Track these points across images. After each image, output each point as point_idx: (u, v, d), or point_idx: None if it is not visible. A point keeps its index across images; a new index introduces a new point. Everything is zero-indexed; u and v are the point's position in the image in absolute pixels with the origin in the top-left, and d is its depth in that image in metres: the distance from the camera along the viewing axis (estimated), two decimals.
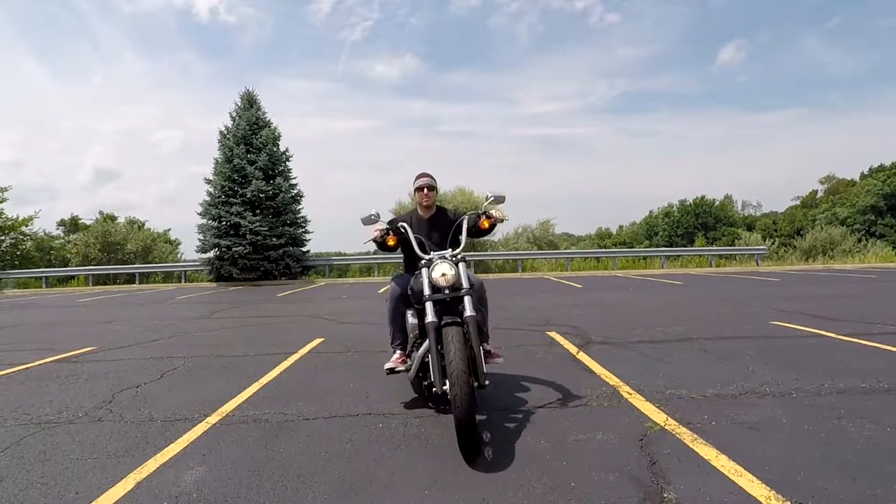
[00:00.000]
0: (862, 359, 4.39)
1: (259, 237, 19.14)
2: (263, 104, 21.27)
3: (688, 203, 47.83)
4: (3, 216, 23.97)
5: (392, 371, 3.43)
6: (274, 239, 19.50)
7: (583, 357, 4.79)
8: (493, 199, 3.44)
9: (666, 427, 2.94)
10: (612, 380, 3.97)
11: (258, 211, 19.64)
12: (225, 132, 20.55)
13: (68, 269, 22.78)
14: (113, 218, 30.41)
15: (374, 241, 3.45)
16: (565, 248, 29.30)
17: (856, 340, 5.14)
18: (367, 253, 22.71)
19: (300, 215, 21.15)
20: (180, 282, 21.23)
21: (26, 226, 24.75)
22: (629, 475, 2.38)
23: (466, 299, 2.96)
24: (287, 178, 20.60)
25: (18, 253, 24.42)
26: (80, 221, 34.98)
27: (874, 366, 4.13)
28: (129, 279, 21.68)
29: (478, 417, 2.98)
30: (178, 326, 7.86)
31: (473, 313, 2.90)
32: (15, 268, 22.93)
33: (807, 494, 2.14)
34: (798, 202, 52.94)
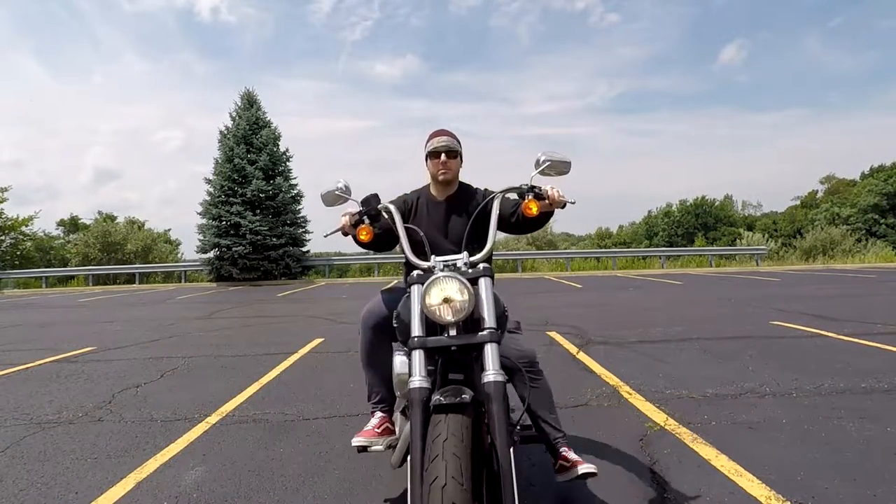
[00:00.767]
0: (862, 359, 4.39)
1: (259, 237, 19.15)
2: (263, 104, 21.31)
3: (688, 203, 47.84)
4: (3, 216, 23.97)
5: (363, 449, 2.15)
6: (274, 239, 19.50)
7: (583, 357, 4.78)
8: (547, 163, 1.98)
9: (666, 427, 2.94)
10: (612, 380, 3.97)
11: (258, 211, 19.64)
12: (225, 132, 20.56)
13: (68, 269, 22.78)
14: (112, 218, 30.42)
15: (342, 232, 2.17)
16: (565, 248, 29.29)
17: (856, 340, 5.14)
18: (367, 253, 22.71)
19: (300, 215, 21.16)
20: (180, 282, 21.23)
21: (26, 226, 24.75)
22: (629, 475, 2.38)
23: (489, 351, 1.59)
24: (287, 178, 20.60)
25: (18, 253, 24.42)
26: (79, 221, 34.99)
27: (874, 366, 4.13)
28: (129, 279, 21.68)
29: None
30: (178, 326, 7.86)
31: (499, 378, 1.55)
32: (15, 268, 22.93)
33: (807, 494, 2.14)
34: (798, 202, 52.97)
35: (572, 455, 2.09)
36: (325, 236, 2.26)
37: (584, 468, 2.00)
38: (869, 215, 37.24)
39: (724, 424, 2.96)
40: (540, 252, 23.07)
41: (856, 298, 8.94)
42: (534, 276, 18.90)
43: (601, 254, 25.46)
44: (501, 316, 1.74)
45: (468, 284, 1.64)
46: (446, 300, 1.64)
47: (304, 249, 21.24)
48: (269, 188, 19.60)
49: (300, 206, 21.28)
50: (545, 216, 2.12)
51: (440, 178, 2.28)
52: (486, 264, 1.80)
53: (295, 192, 20.93)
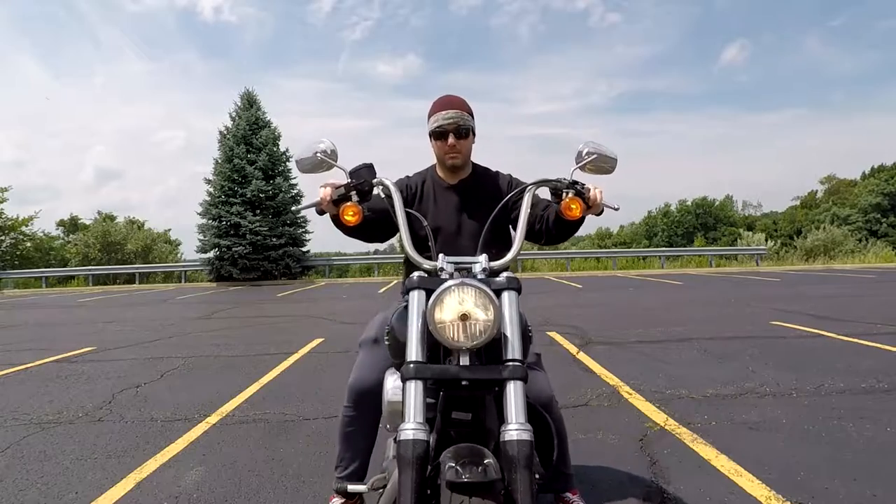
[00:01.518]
0: (862, 359, 4.39)
1: (259, 237, 19.15)
2: (263, 104, 21.33)
3: (687, 203, 47.85)
4: (3, 216, 23.97)
5: None
6: (274, 239, 19.51)
7: (583, 357, 4.78)
8: (593, 157, 1.63)
9: (666, 427, 2.94)
10: (612, 380, 3.97)
11: (258, 211, 19.64)
12: (225, 132, 20.58)
13: (68, 269, 22.79)
14: (112, 218, 30.41)
15: (318, 209, 1.64)
16: (565, 248, 29.29)
17: (856, 340, 5.14)
18: (367, 253, 22.72)
19: (300, 215, 21.15)
20: (180, 282, 21.23)
21: (26, 226, 24.75)
22: (629, 475, 2.38)
23: (513, 392, 1.21)
24: (287, 178, 20.60)
25: (18, 253, 24.42)
26: (79, 221, 34.99)
27: (874, 366, 4.13)
28: (129, 279, 21.68)
29: None
30: (178, 326, 7.86)
31: (525, 436, 1.17)
32: (15, 268, 22.93)
33: (807, 494, 2.14)
34: (798, 202, 52.97)
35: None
36: (296, 210, 1.74)
37: None
38: (870, 215, 37.24)
39: (724, 424, 2.96)
40: (540, 252, 23.06)
41: (856, 298, 8.94)
42: (534, 276, 18.90)
43: (601, 254, 25.47)
44: (525, 339, 1.33)
45: (494, 298, 1.21)
46: (463, 317, 1.18)
47: (304, 249, 21.24)
48: (269, 188, 19.60)
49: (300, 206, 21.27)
50: (579, 222, 1.66)
51: (448, 163, 1.84)
52: (510, 273, 1.37)
53: (295, 192, 20.92)
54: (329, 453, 2.73)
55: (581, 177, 1.63)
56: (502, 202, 1.65)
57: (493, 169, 1.97)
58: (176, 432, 3.12)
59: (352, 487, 1.54)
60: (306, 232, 21.22)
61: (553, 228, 1.75)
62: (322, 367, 4.75)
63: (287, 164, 21.03)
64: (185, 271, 21.73)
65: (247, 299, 12.62)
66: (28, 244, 25.12)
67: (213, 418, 3.37)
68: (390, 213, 1.63)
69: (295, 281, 19.82)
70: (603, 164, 1.64)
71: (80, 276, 21.81)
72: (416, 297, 1.31)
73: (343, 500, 1.93)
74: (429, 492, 1.20)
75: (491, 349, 1.27)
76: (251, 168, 19.52)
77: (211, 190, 20.05)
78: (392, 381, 1.41)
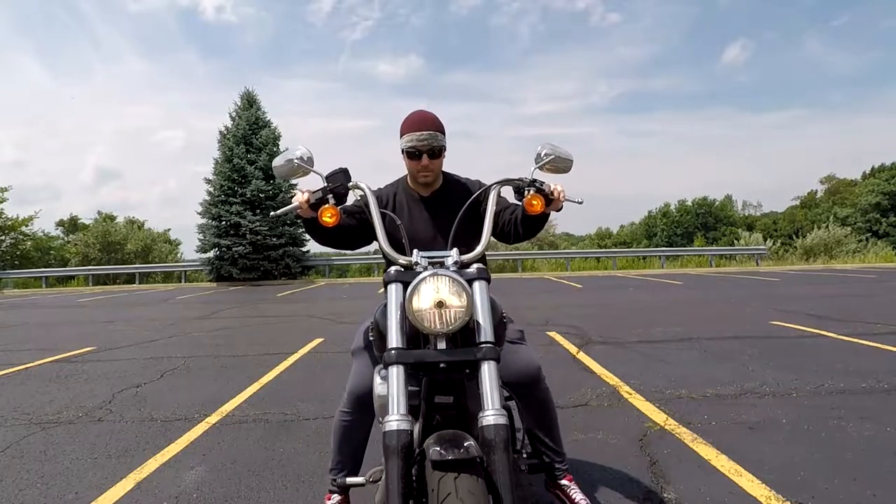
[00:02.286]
0: (862, 359, 4.39)
1: (259, 237, 19.15)
2: (264, 104, 21.34)
3: (687, 203, 47.87)
4: (3, 216, 23.97)
5: None
6: (274, 239, 19.51)
7: (583, 357, 4.78)
8: (550, 157, 1.73)
9: (666, 427, 2.94)
10: (612, 380, 3.97)
11: (258, 211, 19.64)
12: (225, 132, 20.59)
13: (68, 269, 22.79)
14: (112, 218, 30.42)
15: (296, 213, 1.75)
16: (565, 248, 29.30)
17: (856, 340, 5.14)
18: (367, 253, 22.70)
19: (283, 219, 21.16)
20: (180, 282, 21.23)
21: (26, 226, 24.75)
22: (629, 475, 2.38)
23: (487, 372, 1.30)
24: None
25: (18, 253, 24.42)
26: (79, 221, 35.00)
27: (874, 366, 4.13)
28: (129, 279, 21.68)
29: None
30: (178, 326, 7.86)
31: (501, 420, 1.25)
32: (15, 268, 22.93)
33: (807, 494, 2.14)
34: (798, 202, 52.98)
35: (576, 493, 1.90)
36: (273, 215, 1.86)
37: None
38: (871, 215, 37.24)
39: (724, 424, 2.96)
40: (540, 252, 23.09)
41: (856, 298, 8.94)
42: (534, 276, 18.90)
43: (601, 254, 25.47)
44: (500, 325, 1.48)
45: (466, 286, 1.33)
46: (439, 304, 1.30)
47: (304, 249, 21.24)
48: (269, 188, 19.60)
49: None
50: (543, 219, 1.80)
51: (420, 180, 1.92)
52: (480, 265, 1.49)
53: (294, 192, 20.89)
54: (329, 453, 2.73)
55: (541, 176, 1.74)
56: (469, 200, 1.76)
57: (464, 177, 2.05)
58: (176, 432, 3.12)
59: (350, 480, 1.60)
60: (306, 232, 21.20)
61: (519, 227, 1.86)
62: (322, 367, 4.75)
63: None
64: (185, 271, 21.73)
65: (247, 299, 12.62)
66: (28, 244, 25.13)
67: (213, 418, 3.37)
68: (364, 219, 1.78)
69: (295, 281, 19.82)
70: (560, 164, 1.75)
71: (80, 276, 21.81)
72: (394, 290, 1.42)
73: (340, 498, 1.95)
74: (415, 479, 1.28)
75: (467, 336, 1.37)
76: (251, 168, 19.52)
77: (211, 190, 20.06)
78: (381, 377, 1.45)
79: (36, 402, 3.92)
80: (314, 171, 1.70)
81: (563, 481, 1.93)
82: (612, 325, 6.67)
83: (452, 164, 2.01)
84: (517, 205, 1.82)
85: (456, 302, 1.31)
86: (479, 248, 1.61)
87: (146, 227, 31.07)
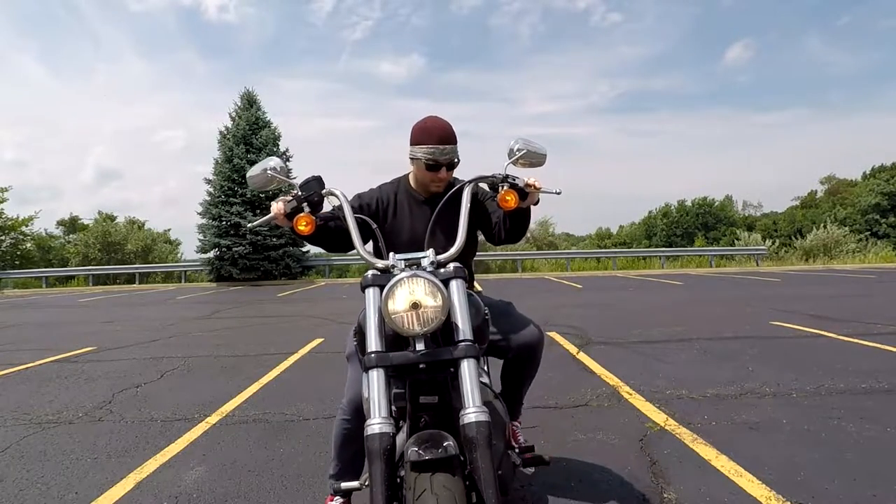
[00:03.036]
0: (862, 359, 4.39)
1: (259, 237, 19.15)
2: (264, 104, 21.32)
3: (686, 203, 47.87)
4: (3, 216, 23.97)
5: None
6: (274, 239, 19.51)
7: (583, 357, 4.78)
8: (522, 152, 1.74)
9: (666, 427, 2.94)
10: (612, 380, 3.97)
11: (258, 211, 19.63)
12: (225, 132, 20.58)
13: (68, 269, 22.78)
14: (112, 218, 30.41)
15: (273, 223, 1.81)
16: (565, 249, 29.29)
17: (856, 340, 5.14)
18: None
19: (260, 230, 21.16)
20: (180, 282, 21.23)
21: (26, 226, 24.76)
22: (629, 475, 2.37)
23: (466, 370, 1.33)
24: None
25: (18, 253, 24.42)
26: (79, 221, 34.99)
27: (874, 366, 4.13)
28: (129, 279, 21.68)
29: None
30: (178, 326, 7.86)
31: (482, 417, 1.27)
32: (15, 268, 22.93)
33: (807, 494, 2.14)
34: (798, 202, 52.99)
35: (521, 438, 2.14)
36: (250, 227, 1.94)
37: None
38: (870, 215, 37.23)
39: (724, 425, 2.96)
40: (540, 252, 23.09)
41: (856, 298, 8.94)
42: (534, 276, 18.90)
43: (601, 254, 25.45)
44: (483, 324, 1.49)
45: (441, 286, 1.35)
46: (414, 305, 1.32)
47: (304, 249, 21.22)
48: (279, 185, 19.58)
49: None
50: (523, 214, 1.81)
51: (432, 189, 1.91)
52: (456, 264, 1.49)
53: (294, 192, 20.88)
54: (329, 453, 2.73)
55: (514, 171, 1.75)
56: (442, 201, 1.76)
57: (462, 178, 2.02)
58: (176, 432, 3.12)
59: (345, 485, 1.61)
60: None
61: (504, 226, 1.87)
62: (322, 368, 4.75)
63: (287, 164, 21.02)
64: (185, 271, 21.73)
65: (247, 299, 12.62)
66: (28, 244, 25.13)
67: (213, 418, 3.37)
68: (341, 221, 1.77)
69: (295, 281, 19.82)
70: (533, 158, 1.77)
71: (80, 276, 21.81)
72: (371, 294, 1.44)
73: (342, 501, 1.97)
74: (399, 480, 1.30)
75: (447, 336, 1.39)
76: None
77: (211, 190, 20.06)
78: (367, 381, 1.47)
79: (36, 402, 3.92)
80: (287, 181, 1.74)
81: (514, 422, 2.07)
82: (613, 325, 6.67)
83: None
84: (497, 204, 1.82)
85: (431, 302, 1.32)
86: (454, 249, 1.60)
87: (146, 227, 31.05)
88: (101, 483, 2.47)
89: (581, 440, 2.80)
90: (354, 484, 1.61)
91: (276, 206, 1.74)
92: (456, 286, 1.44)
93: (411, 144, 1.85)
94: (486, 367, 2.04)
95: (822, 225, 24.72)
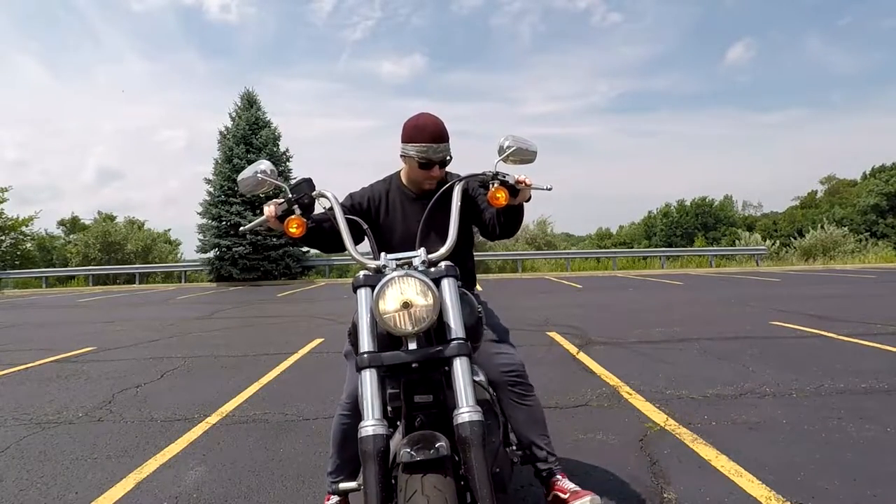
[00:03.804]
0: (862, 359, 4.39)
1: (259, 237, 19.14)
2: (264, 104, 21.33)
3: (686, 203, 47.88)
4: (4, 216, 23.97)
5: None
6: (274, 239, 19.49)
7: (583, 357, 4.78)
8: (512, 149, 1.74)
9: (666, 427, 2.94)
10: (612, 380, 3.97)
11: (258, 211, 19.59)
12: (225, 132, 20.58)
13: (68, 269, 22.79)
14: (112, 217, 30.41)
15: (265, 227, 1.83)
16: (565, 249, 29.26)
17: (856, 340, 5.14)
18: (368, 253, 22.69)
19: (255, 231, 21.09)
20: (180, 282, 21.22)
21: (26, 226, 24.76)
22: (629, 475, 2.37)
23: (459, 369, 1.32)
24: (287, 179, 20.58)
25: (19, 253, 24.42)
26: (79, 221, 34.99)
27: (874, 366, 4.13)
28: (130, 279, 21.67)
29: None
30: (179, 326, 7.86)
31: (475, 416, 1.26)
32: (15, 268, 22.93)
33: (807, 494, 2.14)
34: (798, 202, 52.98)
35: (568, 484, 1.86)
36: (242, 231, 1.86)
37: (585, 500, 1.73)
38: (868, 216, 37.24)
39: (724, 425, 2.96)
40: (540, 252, 23.06)
41: (856, 298, 8.94)
42: (534, 276, 18.90)
43: (601, 254, 25.45)
44: (477, 323, 1.48)
45: (432, 285, 1.34)
46: (405, 305, 1.31)
47: (304, 250, 21.20)
48: (269, 188, 19.57)
49: None
50: (515, 211, 1.80)
51: (426, 187, 1.90)
52: (448, 262, 1.47)
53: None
54: (329, 453, 2.73)
55: (505, 168, 1.74)
56: (433, 199, 1.73)
57: (455, 173, 2.00)
58: (176, 432, 3.12)
59: (343, 486, 1.60)
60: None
61: (499, 222, 1.85)
62: (322, 368, 4.75)
63: (287, 163, 21.05)
64: (186, 271, 21.72)
65: (247, 299, 12.61)
66: (28, 244, 25.13)
67: (213, 418, 3.37)
68: (368, 219, 1.77)
69: (295, 281, 19.82)
70: (524, 155, 1.76)
71: (81, 276, 21.81)
72: (363, 294, 1.43)
73: (339, 500, 1.96)
74: (394, 481, 1.28)
75: (441, 335, 1.38)
76: None
77: (211, 190, 20.07)
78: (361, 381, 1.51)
79: (36, 402, 3.92)
80: (277, 184, 1.73)
81: (557, 477, 1.92)
82: (613, 325, 6.67)
83: (455, 166, 2.01)
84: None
85: (422, 301, 1.31)
86: (445, 247, 1.58)
87: (146, 227, 31.07)
88: (101, 483, 2.47)
89: (581, 440, 2.80)
90: (352, 484, 1.60)
91: (268, 210, 1.75)
92: (447, 285, 1.43)
93: (403, 142, 1.84)
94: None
95: (819, 225, 24.71)
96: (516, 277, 18.71)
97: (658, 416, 3.12)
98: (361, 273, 1.48)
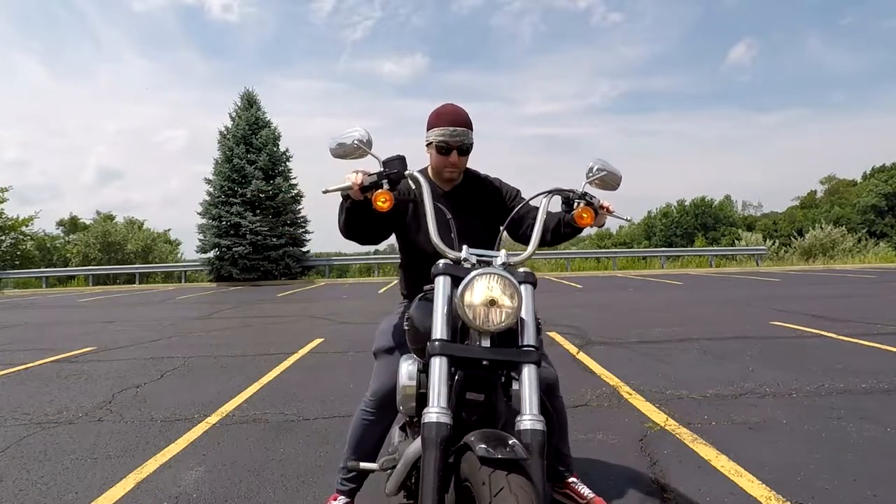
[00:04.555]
0: (862, 359, 4.39)
1: (259, 237, 19.16)
2: (264, 104, 21.33)
3: (685, 203, 47.88)
4: (4, 216, 23.97)
5: None
6: (274, 239, 19.51)
7: (583, 357, 4.78)
8: (602, 173, 1.76)
9: (666, 427, 2.94)
10: (612, 380, 3.97)
11: (258, 211, 19.64)
12: (224, 132, 20.57)
13: (68, 269, 22.82)
14: (111, 217, 30.42)
15: (345, 194, 1.68)
16: (565, 249, 29.24)
17: (856, 340, 5.14)
18: (368, 253, 22.71)
19: (300, 215, 21.16)
20: (180, 282, 21.23)
21: (26, 226, 24.77)
22: (629, 475, 2.38)
23: (528, 376, 1.31)
24: (287, 179, 20.61)
25: (19, 253, 24.43)
26: (79, 221, 34.99)
27: (874, 366, 4.13)
28: (129, 279, 21.68)
29: None
30: (178, 326, 7.86)
31: (538, 426, 1.26)
32: (15, 268, 22.94)
33: (807, 495, 2.14)
34: (798, 202, 52.98)
35: (585, 490, 1.90)
36: (325, 192, 1.72)
37: None
38: (867, 216, 37.26)
39: (724, 425, 2.96)
40: (540, 252, 23.04)
41: (856, 298, 8.94)
42: None
43: (601, 254, 25.45)
44: (539, 332, 1.45)
45: (518, 288, 1.33)
46: (491, 302, 1.29)
47: (304, 249, 21.24)
48: (269, 188, 19.60)
49: (300, 206, 21.30)
50: (579, 231, 1.83)
51: (445, 176, 1.90)
52: (528, 269, 1.48)
53: (295, 192, 20.93)
54: (329, 453, 2.73)
55: (590, 190, 1.77)
56: (514, 209, 1.82)
57: (483, 173, 2.05)
58: (176, 432, 3.12)
59: (364, 465, 1.63)
60: (306, 232, 21.25)
61: (553, 233, 1.89)
62: (322, 368, 4.75)
63: (287, 163, 21.06)
64: (185, 271, 21.73)
65: (247, 299, 12.62)
66: (28, 244, 25.14)
67: (213, 418, 3.37)
68: (395, 211, 1.71)
69: (295, 281, 19.81)
70: (609, 180, 1.77)
71: (80, 276, 21.82)
72: (441, 282, 1.41)
73: (346, 501, 1.96)
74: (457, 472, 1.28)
75: (505, 337, 1.37)
76: (251, 168, 19.52)
77: (211, 190, 20.06)
78: (406, 367, 1.51)
79: (36, 402, 3.92)
80: (371, 154, 1.66)
81: (571, 479, 1.98)
82: (613, 325, 6.67)
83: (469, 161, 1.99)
84: (536, 208, 1.81)
85: (507, 302, 1.31)
86: (526, 253, 1.61)
87: (146, 227, 31.07)
88: (101, 483, 2.47)
89: (581, 440, 2.80)
90: (373, 465, 1.61)
91: (356, 177, 1.62)
92: (526, 291, 1.42)
93: (427, 130, 1.85)
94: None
95: (817, 225, 24.72)
96: None
97: (658, 416, 3.12)
98: (441, 262, 1.45)
